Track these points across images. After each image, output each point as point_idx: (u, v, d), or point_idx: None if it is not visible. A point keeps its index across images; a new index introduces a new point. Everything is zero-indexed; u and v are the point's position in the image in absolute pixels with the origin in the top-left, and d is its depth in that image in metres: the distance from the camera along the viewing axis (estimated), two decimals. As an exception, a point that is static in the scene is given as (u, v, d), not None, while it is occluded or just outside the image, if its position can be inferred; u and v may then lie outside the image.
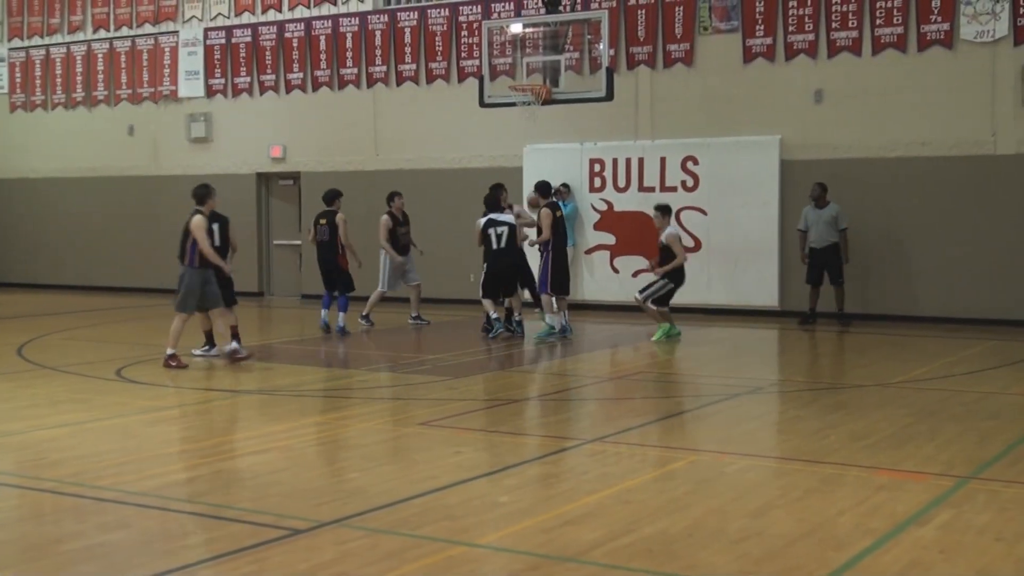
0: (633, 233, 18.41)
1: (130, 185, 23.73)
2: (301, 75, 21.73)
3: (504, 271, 15.30)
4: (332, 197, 16.36)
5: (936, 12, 16.69)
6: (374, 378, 12.90)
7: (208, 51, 22.70)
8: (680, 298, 17.68)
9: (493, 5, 19.76)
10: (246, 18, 22.36)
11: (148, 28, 23.46)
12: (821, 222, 16.54)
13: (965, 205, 16.71)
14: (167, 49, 23.20)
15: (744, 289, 18.02)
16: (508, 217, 15.37)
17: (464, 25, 20.16)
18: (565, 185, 18.80)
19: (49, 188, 24.84)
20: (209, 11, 22.76)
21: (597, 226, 19.02)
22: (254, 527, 6.55)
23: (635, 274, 18.01)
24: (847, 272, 16.73)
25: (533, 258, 15.90)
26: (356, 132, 21.29)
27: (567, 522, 6.59)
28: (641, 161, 18.67)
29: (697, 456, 8.50)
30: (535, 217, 15.51)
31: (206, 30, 22.72)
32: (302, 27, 21.66)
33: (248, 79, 22.31)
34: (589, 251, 19.12)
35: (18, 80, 25.21)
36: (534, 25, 16.49)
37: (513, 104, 16.22)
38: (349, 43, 21.24)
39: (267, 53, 22.05)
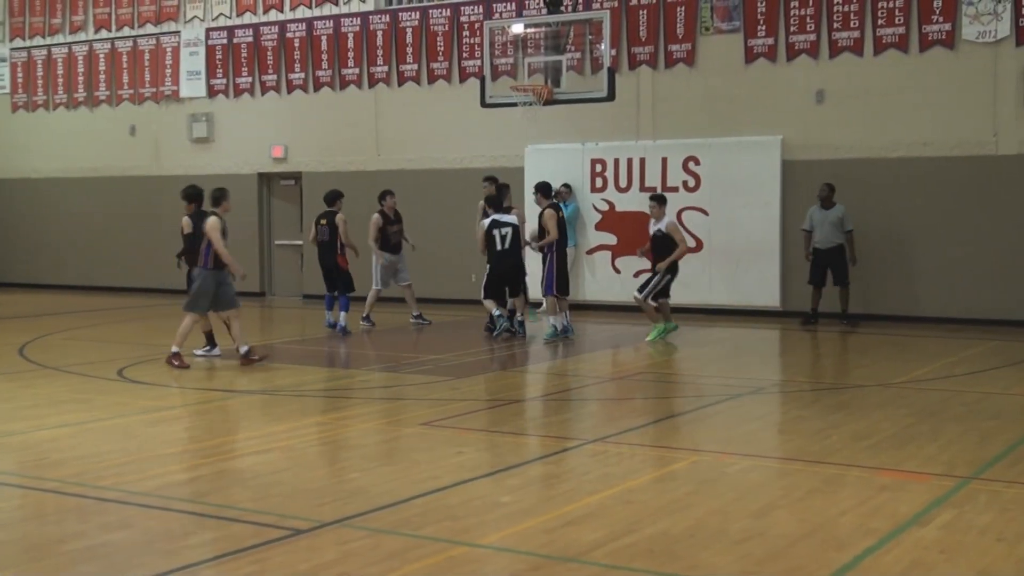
0: (635, 233, 18.37)
1: (132, 185, 23.74)
2: (303, 75, 21.74)
3: (508, 272, 15.28)
4: (333, 198, 16.41)
5: (938, 12, 16.68)
6: (375, 378, 12.91)
7: (210, 51, 22.71)
8: (681, 298, 17.72)
9: (495, 5, 19.77)
10: (248, 18, 22.37)
11: (150, 28, 23.47)
12: (827, 223, 16.51)
13: (967, 205, 16.71)
14: (169, 49, 23.21)
15: (746, 289, 18.02)
16: (512, 218, 15.35)
17: (466, 25, 20.17)
18: (566, 185, 18.79)
19: (51, 188, 24.85)
20: (211, 11, 22.77)
21: (598, 226, 19.02)
22: (256, 527, 6.55)
23: (636, 274, 18.00)
24: (850, 273, 16.71)
25: (531, 259, 15.92)
26: (358, 132, 21.30)
27: (569, 522, 6.59)
28: (643, 161, 18.67)
29: (699, 456, 8.50)
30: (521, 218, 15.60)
31: (208, 30, 22.73)
32: (303, 27, 21.67)
33: (250, 79, 22.32)
34: (591, 251, 19.12)
35: (20, 80, 25.22)
36: (536, 25, 16.49)
37: (515, 104, 16.21)
38: (351, 43, 21.24)
39: (269, 53, 22.06)
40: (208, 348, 13.73)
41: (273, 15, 22.05)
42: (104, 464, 8.22)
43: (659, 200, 15.14)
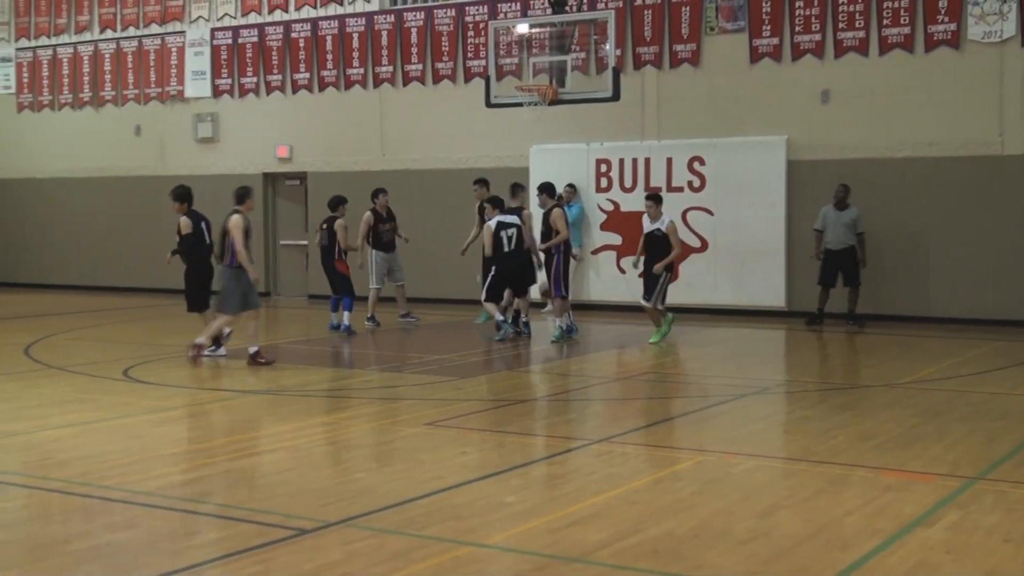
0: (640, 234, 18.33)
1: (137, 185, 23.75)
2: (308, 75, 21.74)
3: (513, 272, 15.25)
4: (336, 204, 16.60)
5: (943, 12, 16.66)
6: (380, 378, 12.90)
7: (215, 51, 22.73)
8: (686, 298, 17.75)
9: (499, 5, 19.76)
10: (252, 18, 22.38)
11: (155, 28, 23.49)
12: (840, 224, 16.42)
13: (972, 205, 16.68)
14: (174, 49, 23.23)
15: (751, 289, 18.00)
16: (514, 218, 15.32)
17: (470, 25, 20.17)
18: (571, 186, 18.78)
19: (56, 188, 24.88)
20: (216, 11, 22.79)
21: (603, 226, 19.01)
22: (261, 527, 6.55)
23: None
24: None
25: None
26: (362, 132, 21.31)
27: (573, 522, 6.59)
28: (647, 161, 18.67)
29: (703, 457, 8.49)
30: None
31: (213, 30, 22.74)
32: (308, 27, 21.68)
33: (255, 79, 22.33)
34: (595, 251, 19.11)
35: (25, 80, 25.25)
36: (540, 25, 16.49)
37: (519, 104, 16.21)
38: (355, 43, 21.25)
39: (273, 53, 22.07)
40: (214, 348, 13.73)
41: (278, 15, 22.06)
42: (109, 464, 8.22)
43: (656, 199, 14.94)
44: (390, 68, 20.93)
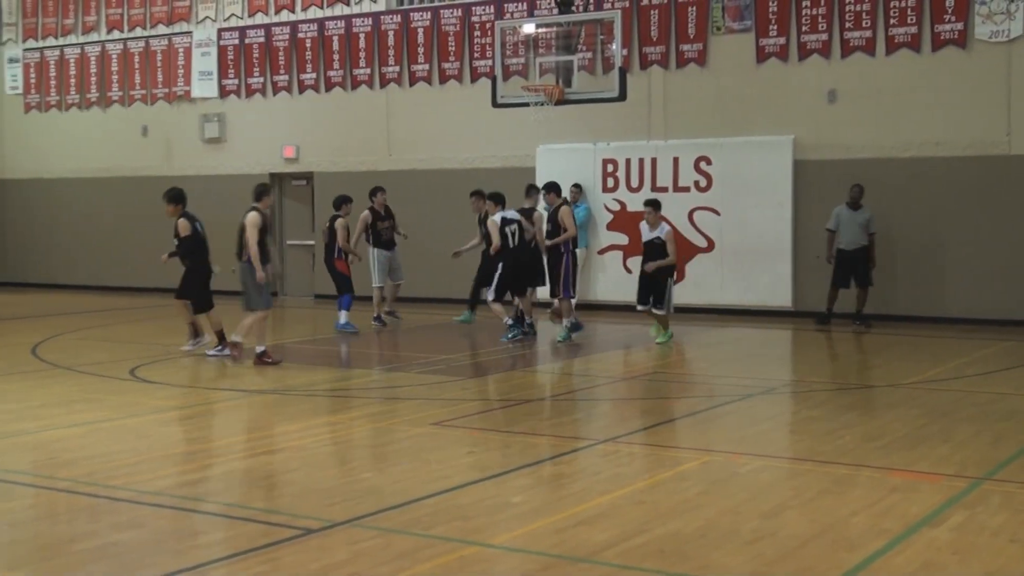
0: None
1: (143, 185, 23.75)
2: (314, 75, 21.76)
3: (524, 268, 15.21)
4: (339, 203, 16.72)
5: (950, 12, 16.63)
6: (387, 378, 12.91)
7: (221, 51, 22.76)
8: (693, 298, 17.74)
9: (506, 5, 19.76)
10: (259, 19, 22.40)
11: (162, 29, 23.52)
12: (855, 224, 16.35)
13: (979, 205, 16.65)
14: (181, 50, 23.26)
15: (757, 289, 17.98)
16: (516, 214, 15.31)
17: (477, 25, 20.17)
18: (576, 186, 18.77)
19: (63, 188, 24.92)
20: (222, 12, 22.81)
21: (610, 226, 19.00)
22: (267, 527, 6.56)
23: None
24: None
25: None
26: (369, 132, 21.32)
27: (580, 522, 6.59)
28: (654, 161, 18.65)
29: (710, 456, 8.48)
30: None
31: (219, 31, 22.77)
32: (315, 27, 21.69)
33: (261, 79, 22.35)
34: (602, 251, 19.10)
35: (32, 81, 25.30)
36: (547, 25, 16.49)
37: (526, 104, 16.22)
38: (362, 43, 21.26)
39: (280, 53, 22.09)
40: (220, 348, 13.75)
41: (285, 15, 22.08)
42: (115, 464, 8.24)
43: (655, 205, 14.73)
44: (396, 68, 20.94)
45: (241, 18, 22.60)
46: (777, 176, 17.78)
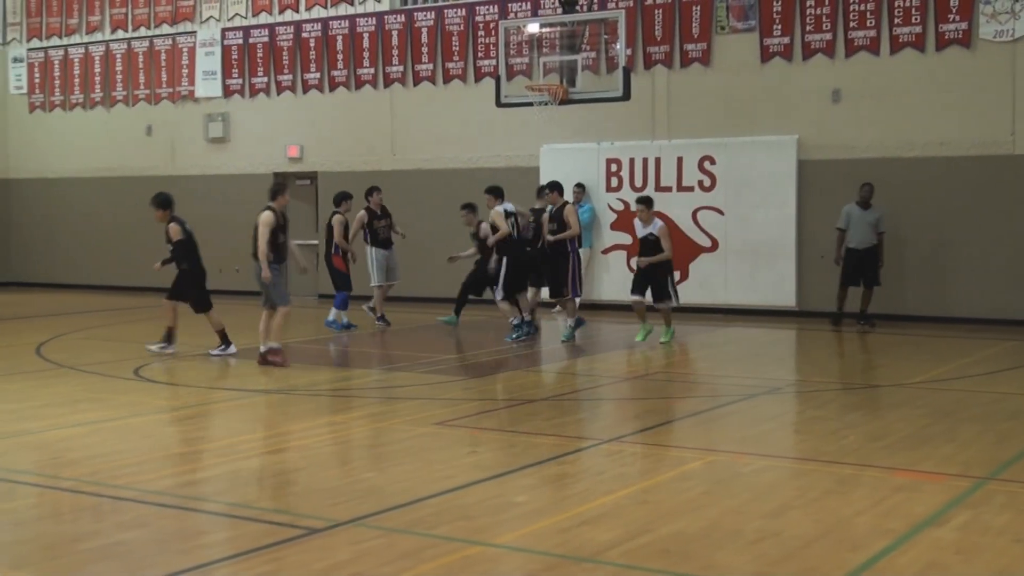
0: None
1: (148, 185, 23.59)
2: (318, 75, 21.77)
3: (527, 262, 15.17)
4: (339, 199, 16.84)
5: (954, 11, 16.61)
6: (390, 378, 12.91)
7: (226, 51, 22.76)
8: (697, 298, 17.72)
9: (510, 5, 19.76)
10: (263, 18, 22.41)
11: (166, 28, 23.53)
12: (864, 223, 16.26)
13: (984, 205, 16.63)
14: (185, 49, 23.27)
15: (761, 289, 17.98)
16: (513, 207, 15.31)
17: (481, 25, 20.17)
18: (580, 186, 18.77)
19: (67, 188, 24.94)
20: (226, 11, 22.82)
21: (614, 226, 18.99)
22: (270, 526, 6.56)
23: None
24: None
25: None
26: (373, 132, 21.32)
27: (583, 522, 6.59)
28: (658, 161, 18.65)
29: (714, 456, 8.48)
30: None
31: (223, 30, 22.78)
32: (319, 27, 21.70)
33: (265, 79, 22.36)
34: (606, 251, 19.10)
35: (37, 80, 25.32)
36: (551, 25, 16.49)
37: (530, 104, 16.22)
38: (366, 43, 21.27)
39: (284, 53, 22.10)
40: (223, 347, 13.77)
41: (289, 15, 22.09)
42: (119, 463, 8.24)
43: (647, 203, 14.71)
44: (400, 68, 20.95)
45: (245, 18, 22.60)
46: (781, 176, 17.77)
